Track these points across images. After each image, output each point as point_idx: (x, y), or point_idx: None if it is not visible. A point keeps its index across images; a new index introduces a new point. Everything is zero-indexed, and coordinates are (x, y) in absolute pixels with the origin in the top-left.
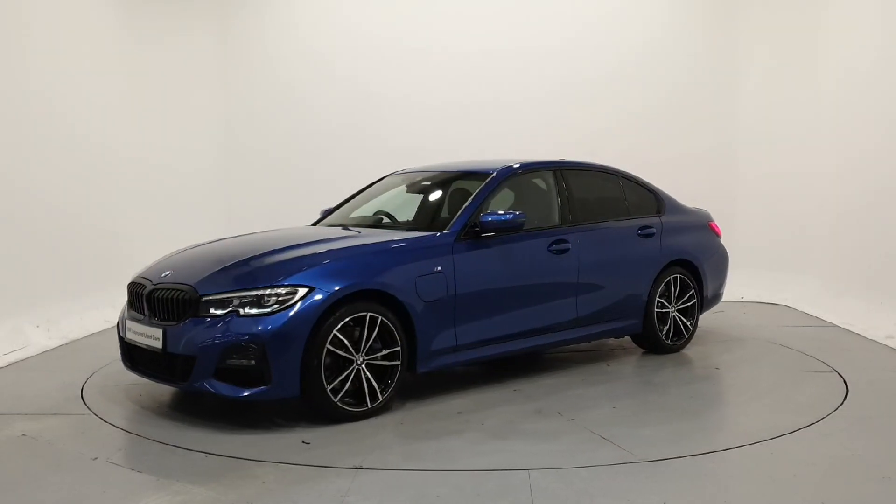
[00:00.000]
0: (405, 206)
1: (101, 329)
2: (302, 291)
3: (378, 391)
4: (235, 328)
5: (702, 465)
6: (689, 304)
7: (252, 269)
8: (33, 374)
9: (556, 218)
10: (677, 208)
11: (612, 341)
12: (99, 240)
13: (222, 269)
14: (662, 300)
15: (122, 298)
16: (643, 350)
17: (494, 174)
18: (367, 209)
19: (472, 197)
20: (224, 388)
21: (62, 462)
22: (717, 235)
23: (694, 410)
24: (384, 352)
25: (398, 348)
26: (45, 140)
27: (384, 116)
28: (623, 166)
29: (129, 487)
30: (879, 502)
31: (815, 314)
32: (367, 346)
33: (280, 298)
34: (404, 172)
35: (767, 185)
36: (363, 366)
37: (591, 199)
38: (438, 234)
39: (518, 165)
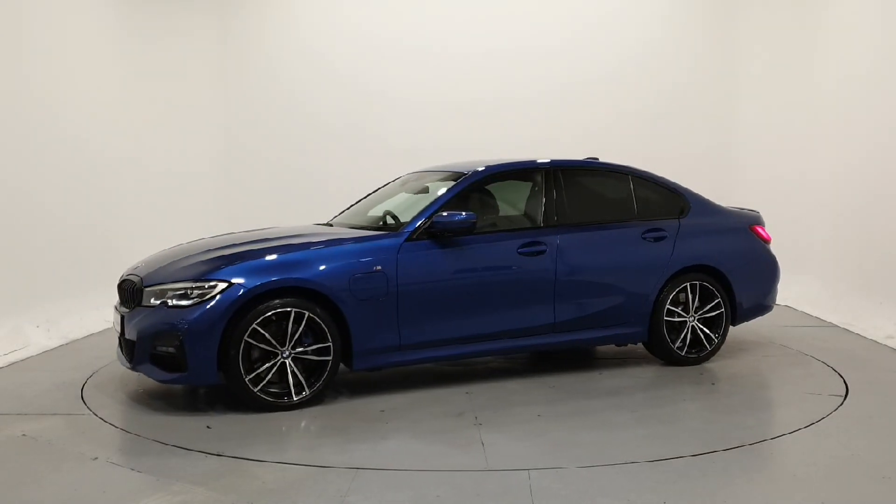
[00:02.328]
0: (412, 207)
1: (101, 329)
2: (221, 286)
3: (305, 384)
4: (161, 318)
5: (702, 465)
6: (714, 313)
7: (188, 264)
8: (33, 374)
9: (538, 219)
10: (708, 210)
11: (640, 350)
12: (99, 240)
13: (169, 263)
14: (677, 308)
15: None
16: (662, 362)
17: (466, 175)
18: (378, 210)
19: (436, 198)
20: (155, 372)
21: (62, 462)
22: (762, 240)
23: (620, 423)
24: (313, 347)
25: (329, 344)
26: (44, 140)
27: (385, 117)
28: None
29: (129, 487)
30: (879, 502)
31: (815, 314)
32: (294, 340)
33: (201, 292)
34: (418, 172)
35: (767, 185)
36: (289, 359)
37: (587, 200)
38: (389, 234)
39: (495, 167)
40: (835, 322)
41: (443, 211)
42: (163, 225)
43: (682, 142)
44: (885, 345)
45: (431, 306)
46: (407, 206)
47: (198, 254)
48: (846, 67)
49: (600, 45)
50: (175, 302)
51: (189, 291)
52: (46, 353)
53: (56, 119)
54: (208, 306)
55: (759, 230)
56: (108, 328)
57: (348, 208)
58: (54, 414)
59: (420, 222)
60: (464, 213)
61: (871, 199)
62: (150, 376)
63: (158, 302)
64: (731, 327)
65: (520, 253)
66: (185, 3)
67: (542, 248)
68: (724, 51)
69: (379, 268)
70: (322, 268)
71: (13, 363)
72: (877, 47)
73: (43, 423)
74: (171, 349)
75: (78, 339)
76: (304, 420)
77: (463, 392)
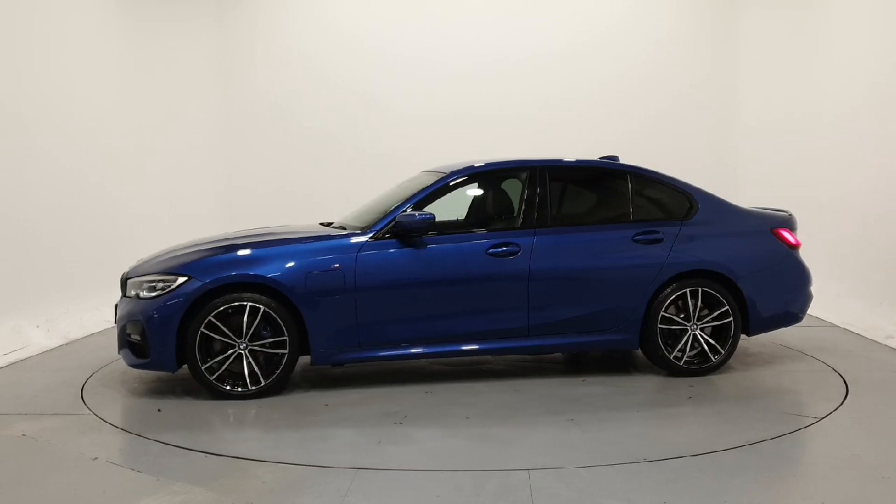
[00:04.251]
0: None
1: (101, 329)
2: (181, 280)
3: (261, 376)
4: (133, 307)
5: (702, 465)
6: (722, 321)
7: (162, 259)
8: (33, 374)
9: (517, 220)
10: (721, 211)
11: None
12: (99, 240)
13: (153, 257)
14: (676, 315)
15: None
16: (666, 372)
17: (443, 176)
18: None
19: (406, 198)
20: (128, 357)
21: (62, 462)
22: (787, 244)
23: (543, 430)
24: (270, 340)
25: (285, 338)
26: (44, 140)
27: (388, 122)
28: None
29: (129, 487)
30: (879, 502)
31: (815, 314)
32: (250, 332)
33: (164, 285)
34: (427, 172)
35: (768, 187)
36: (246, 351)
37: (574, 200)
38: (354, 233)
39: (477, 167)
40: (835, 322)
41: (414, 211)
42: (163, 225)
43: (684, 145)
44: (886, 345)
45: (392, 305)
46: None
47: (180, 249)
48: (848, 72)
49: (604, 53)
50: (144, 294)
51: (156, 284)
52: (46, 353)
53: (56, 118)
54: (168, 299)
55: (784, 233)
56: (108, 328)
57: (360, 208)
58: (54, 414)
59: (386, 221)
60: (425, 213)
61: (872, 199)
62: (125, 360)
63: (134, 293)
64: (747, 337)
65: (489, 254)
66: (186, 6)
67: (515, 249)
68: (726, 54)
69: (337, 266)
70: (277, 264)
71: (13, 363)
72: (879, 51)
73: (43, 423)
74: (137, 337)
75: (78, 339)
76: (256, 409)
77: (423, 391)
